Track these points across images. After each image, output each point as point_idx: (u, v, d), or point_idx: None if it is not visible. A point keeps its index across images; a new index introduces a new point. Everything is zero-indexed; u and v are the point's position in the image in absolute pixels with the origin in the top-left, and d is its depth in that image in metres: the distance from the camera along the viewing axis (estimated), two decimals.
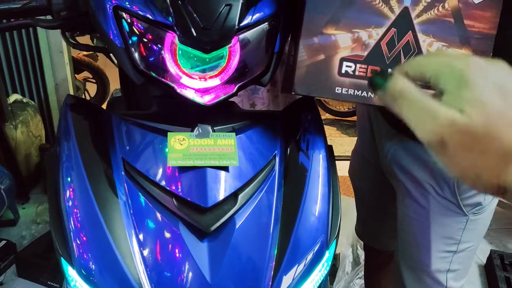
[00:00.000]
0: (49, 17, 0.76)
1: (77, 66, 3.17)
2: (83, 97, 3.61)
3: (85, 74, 3.59)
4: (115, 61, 0.78)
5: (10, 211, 2.10)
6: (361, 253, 1.79)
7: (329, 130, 3.65)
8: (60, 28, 0.75)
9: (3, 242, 1.87)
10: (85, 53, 3.33)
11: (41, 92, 2.50)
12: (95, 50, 0.83)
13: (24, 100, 2.36)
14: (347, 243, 1.82)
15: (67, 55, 2.47)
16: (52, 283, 1.71)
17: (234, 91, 0.69)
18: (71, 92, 2.58)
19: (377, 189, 1.19)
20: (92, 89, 3.66)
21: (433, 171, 0.93)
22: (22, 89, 2.46)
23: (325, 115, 3.80)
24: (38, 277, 1.75)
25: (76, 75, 3.14)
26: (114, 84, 3.57)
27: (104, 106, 3.63)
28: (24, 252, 1.83)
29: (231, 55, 0.66)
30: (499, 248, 2.14)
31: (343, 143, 3.35)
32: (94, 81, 3.61)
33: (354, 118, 3.51)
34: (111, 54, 0.81)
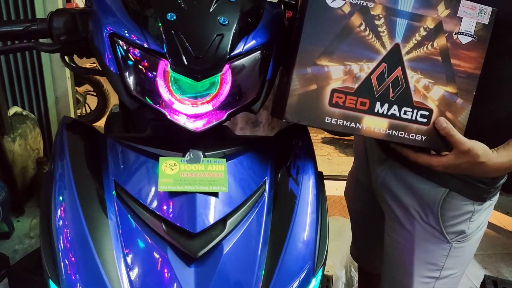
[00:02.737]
0: (49, 40, 0.78)
1: (78, 79, 3.20)
2: (84, 109, 3.64)
3: (86, 87, 3.62)
4: None
5: (5, 224, 2.09)
6: (355, 275, 1.78)
7: (327, 149, 3.66)
8: (59, 52, 0.77)
9: None
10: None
11: (41, 105, 2.51)
12: (93, 73, 0.85)
13: (24, 113, 2.38)
14: (341, 264, 1.81)
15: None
16: None
17: (224, 117, 0.70)
18: (71, 106, 2.59)
19: (370, 212, 1.20)
20: (92, 102, 3.68)
21: (420, 197, 0.95)
22: (22, 101, 2.47)
23: (323, 134, 3.82)
24: None
25: (77, 87, 3.17)
26: (115, 98, 3.60)
27: (103, 119, 3.63)
28: (16, 266, 1.82)
29: (223, 82, 0.68)
30: (493, 273, 2.13)
31: (341, 163, 3.36)
32: (94, 94, 3.64)
33: (353, 137, 3.52)
34: None
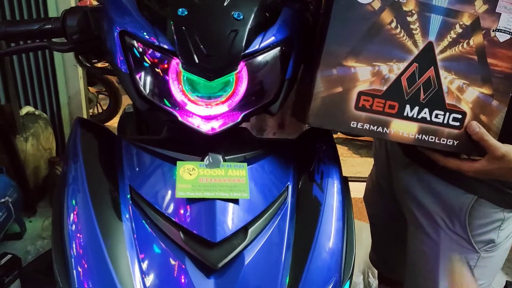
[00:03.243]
0: (63, 39, 0.75)
1: (91, 78, 3.19)
2: (96, 109, 3.64)
3: (98, 86, 3.62)
4: None
5: (17, 224, 2.08)
6: (373, 281, 1.73)
7: (341, 150, 3.60)
8: (73, 51, 0.74)
9: (8, 256, 1.85)
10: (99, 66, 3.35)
11: (53, 105, 2.50)
12: (108, 74, 0.82)
13: (36, 113, 2.37)
14: (358, 270, 1.77)
15: (81, 69, 2.48)
16: None
17: (239, 119, 0.66)
18: (84, 106, 2.58)
19: (392, 218, 1.16)
20: (104, 101, 3.68)
21: (446, 204, 0.91)
22: (34, 101, 2.47)
23: (337, 134, 3.77)
24: None
25: (89, 87, 3.16)
26: (127, 98, 3.60)
27: (116, 119, 3.62)
28: (28, 268, 1.80)
29: (238, 81, 0.64)
30: None
31: (355, 164, 3.30)
32: (107, 93, 3.63)
33: (367, 138, 3.47)
34: None
